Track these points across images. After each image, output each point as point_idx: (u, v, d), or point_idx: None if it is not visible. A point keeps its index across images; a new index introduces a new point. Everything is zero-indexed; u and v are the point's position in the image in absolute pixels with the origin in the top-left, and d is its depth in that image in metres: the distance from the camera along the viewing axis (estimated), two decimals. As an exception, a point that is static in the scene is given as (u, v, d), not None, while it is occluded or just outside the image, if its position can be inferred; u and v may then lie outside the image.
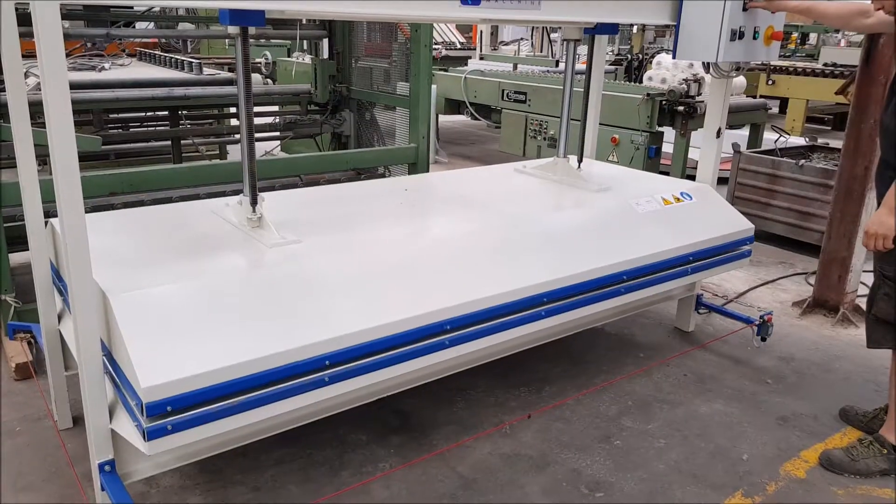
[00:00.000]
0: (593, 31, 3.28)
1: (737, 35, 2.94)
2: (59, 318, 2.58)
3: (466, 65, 10.14)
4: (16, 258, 3.34)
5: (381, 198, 3.18)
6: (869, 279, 2.80)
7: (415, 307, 2.24)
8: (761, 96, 9.62)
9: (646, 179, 3.74)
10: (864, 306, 3.22)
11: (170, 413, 1.82)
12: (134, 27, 5.98)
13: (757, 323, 3.54)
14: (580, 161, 3.61)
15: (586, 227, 3.01)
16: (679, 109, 5.81)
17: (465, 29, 14.28)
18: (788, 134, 5.92)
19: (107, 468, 1.96)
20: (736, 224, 3.38)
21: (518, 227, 2.84)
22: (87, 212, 1.80)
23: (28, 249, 2.48)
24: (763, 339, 3.57)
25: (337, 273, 2.27)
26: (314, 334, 2.03)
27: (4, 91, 2.32)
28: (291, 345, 1.97)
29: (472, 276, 2.47)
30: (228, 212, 2.61)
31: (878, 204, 2.56)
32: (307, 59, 6.19)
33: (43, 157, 2.32)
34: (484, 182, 3.60)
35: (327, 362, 2.04)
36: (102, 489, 1.95)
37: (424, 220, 3.05)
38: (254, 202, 2.46)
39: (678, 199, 3.32)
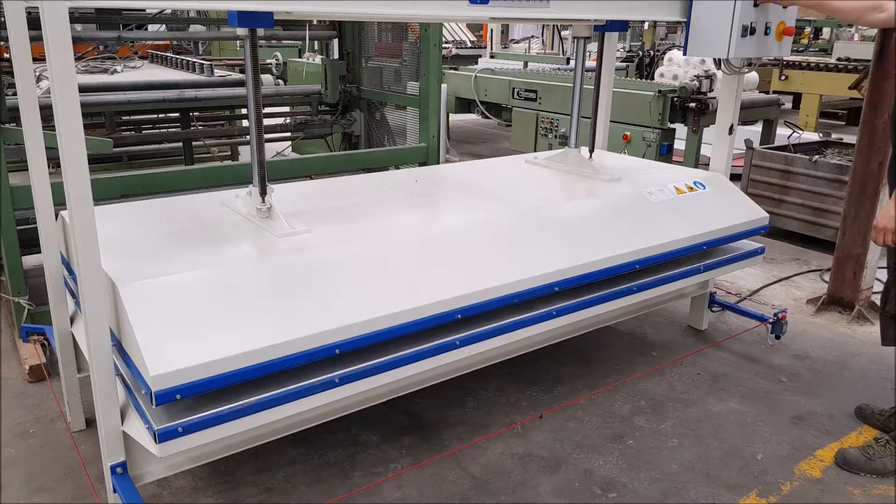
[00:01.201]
0: (603, 29, 3.25)
1: (748, 31, 2.90)
2: (72, 320, 2.60)
3: (477, 63, 10.11)
4: (29, 261, 3.37)
5: (391, 189, 3.17)
6: (884, 276, 2.76)
7: (426, 296, 2.23)
8: (774, 92, 9.52)
9: (658, 169, 3.70)
10: (879, 303, 3.18)
11: (179, 402, 1.82)
12: (146, 30, 6.03)
13: (771, 321, 3.50)
14: (591, 152, 3.59)
15: (599, 215, 2.97)
16: (691, 106, 5.76)
17: (476, 27, 14.25)
18: (802, 129, 5.86)
19: (119, 470, 1.97)
20: (750, 213, 3.33)
21: (530, 217, 2.80)
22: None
23: (41, 252, 2.50)
24: (777, 337, 3.53)
25: (347, 262, 2.26)
26: (325, 323, 2.02)
27: (16, 95, 2.34)
28: (301, 333, 1.96)
29: (485, 265, 2.45)
30: (238, 203, 2.60)
31: (892, 199, 2.52)
32: (317, 59, 6.20)
33: (55, 161, 2.34)
34: (494, 173, 3.58)
35: (337, 351, 2.02)
36: (114, 491, 1.96)
37: (435, 210, 3.04)
38: (263, 192, 2.45)
39: (691, 189, 3.27)
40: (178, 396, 1.77)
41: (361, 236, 2.45)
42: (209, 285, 2.03)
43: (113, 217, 2.49)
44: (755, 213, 3.35)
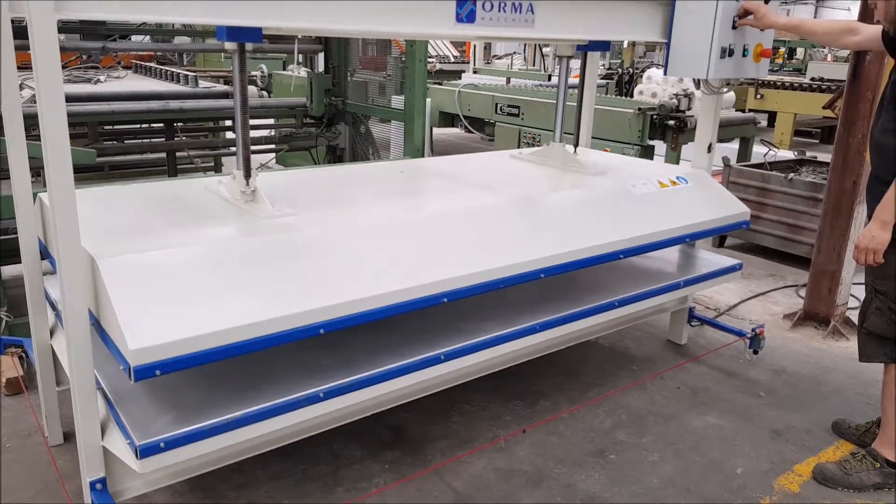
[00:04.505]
0: (586, 48, 3.31)
1: (727, 52, 2.98)
2: (52, 332, 2.56)
3: (460, 78, 10.20)
4: (7, 271, 3.32)
5: (377, 178, 3.17)
6: (858, 292, 2.82)
7: (412, 279, 2.21)
8: (750, 110, 9.74)
9: (641, 165, 3.75)
10: (854, 319, 3.25)
11: (161, 417, 1.80)
12: (130, 40, 5.99)
13: (749, 336, 3.56)
14: (576, 147, 3.62)
15: (584, 206, 2.98)
16: (670, 123, 5.88)
17: (460, 43, 14.37)
18: (777, 147, 5.99)
19: (98, 486, 1.94)
20: (732, 207, 3.36)
21: (515, 205, 2.80)
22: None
23: (20, 262, 2.47)
24: (755, 352, 3.59)
25: (333, 245, 2.24)
26: (309, 302, 1.99)
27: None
28: (284, 312, 1.93)
29: (471, 251, 2.44)
30: (221, 188, 2.55)
31: (869, 218, 2.58)
32: (303, 72, 6.21)
33: (37, 170, 2.31)
34: (479, 166, 3.58)
35: (322, 331, 1.99)
36: (93, 507, 1.93)
37: (421, 198, 3.05)
38: (247, 175, 2.39)
39: (674, 183, 3.30)
40: (157, 372, 1.73)
41: (347, 221, 2.43)
42: (190, 263, 1.99)
43: (93, 200, 2.43)
44: (737, 208, 3.37)
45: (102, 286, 1.81)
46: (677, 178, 3.35)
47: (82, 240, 1.80)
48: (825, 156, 5.13)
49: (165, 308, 1.82)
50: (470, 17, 2.40)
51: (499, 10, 2.46)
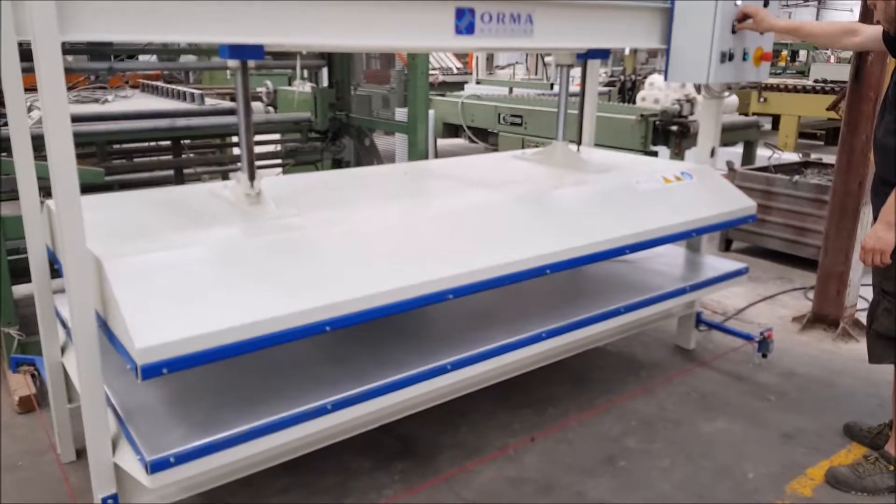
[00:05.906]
0: (585, 56, 3.34)
1: (726, 57, 3.00)
2: (63, 350, 2.59)
3: (463, 89, 10.25)
4: (18, 290, 3.36)
5: (381, 180, 3.19)
6: (867, 293, 2.81)
7: (418, 276, 2.21)
8: (754, 114, 9.72)
9: (644, 163, 3.75)
10: (863, 320, 3.23)
11: (172, 432, 1.83)
12: (137, 60, 6.07)
13: (757, 339, 3.54)
14: (579, 145, 3.62)
15: (588, 202, 2.98)
16: (672, 129, 5.88)
17: (462, 55, 14.45)
18: (781, 150, 5.98)
19: (110, 502, 1.96)
20: (738, 202, 3.35)
21: (520, 203, 2.80)
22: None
23: (31, 282, 2.50)
24: (764, 356, 3.57)
25: (338, 243, 2.25)
26: (315, 300, 1.99)
27: (7, 125, 2.35)
28: (290, 310, 1.94)
29: (476, 248, 2.44)
30: (226, 192, 2.56)
31: (875, 219, 2.58)
32: (307, 87, 6.27)
33: (46, 190, 2.35)
34: (483, 166, 3.59)
35: (327, 328, 2.00)
36: (105, 523, 1.95)
37: (425, 197, 3.07)
38: (252, 177, 2.41)
39: (678, 178, 3.29)
40: (164, 371, 1.74)
41: (352, 220, 2.43)
42: (196, 262, 2.00)
43: (99, 204, 2.46)
44: (743, 202, 3.35)
45: (108, 286, 1.83)
46: (682, 173, 3.35)
47: (88, 242, 1.82)
48: (830, 157, 5.12)
49: (171, 307, 1.83)
50: (469, 29, 2.43)
51: (497, 22, 2.49)
